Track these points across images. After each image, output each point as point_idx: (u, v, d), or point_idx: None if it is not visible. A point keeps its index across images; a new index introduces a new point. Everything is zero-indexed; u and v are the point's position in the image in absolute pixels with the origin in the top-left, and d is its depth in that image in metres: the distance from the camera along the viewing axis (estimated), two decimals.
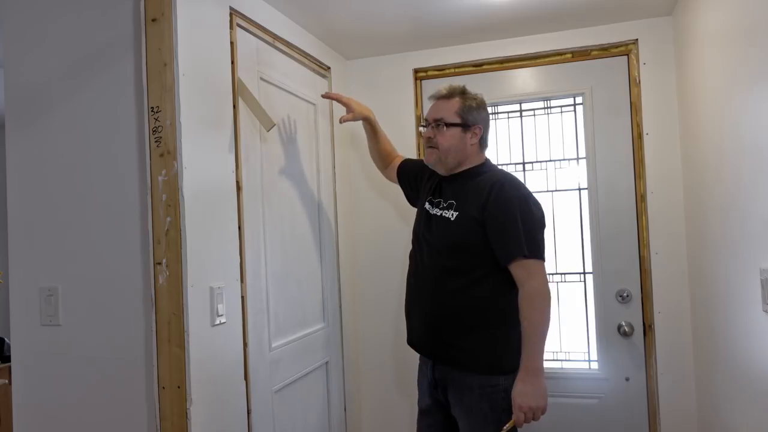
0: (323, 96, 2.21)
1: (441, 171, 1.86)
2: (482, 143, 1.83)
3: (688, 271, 2.31)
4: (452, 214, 1.75)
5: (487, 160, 1.86)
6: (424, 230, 1.84)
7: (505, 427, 1.65)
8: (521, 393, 1.60)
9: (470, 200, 1.73)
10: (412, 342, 1.88)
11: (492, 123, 2.62)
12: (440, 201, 1.83)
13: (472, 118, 1.78)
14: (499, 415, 1.66)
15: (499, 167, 1.88)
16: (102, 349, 1.60)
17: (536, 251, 1.64)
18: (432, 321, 1.77)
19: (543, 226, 1.72)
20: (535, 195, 1.75)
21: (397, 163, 2.18)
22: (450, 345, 1.74)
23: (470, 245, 1.70)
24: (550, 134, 2.58)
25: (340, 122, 2.13)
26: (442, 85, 1.87)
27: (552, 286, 2.51)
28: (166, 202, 1.53)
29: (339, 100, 2.15)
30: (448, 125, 1.78)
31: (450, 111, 1.78)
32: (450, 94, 1.81)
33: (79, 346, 1.62)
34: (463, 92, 1.81)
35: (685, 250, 2.32)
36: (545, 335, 1.63)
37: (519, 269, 1.64)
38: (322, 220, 2.39)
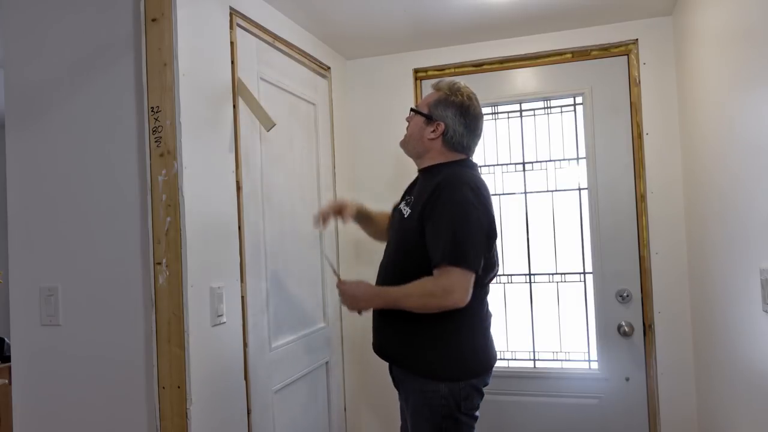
0: (319, 217, 1.98)
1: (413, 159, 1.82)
2: (449, 142, 1.71)
3: (688, 271, 2.31)
4: (407, 211, 1.71)
5: (456, 161, 1.72)
6: (392, 228, 1.84)
7: (335, 271, 1.90)
8: (355, 284, 1.71)
9: (420, 199, 1.66)
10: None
11: (492, 123, 2.63)
12: (406, 197, 1.80)
13: (438, 112, 1.70)
14: (440, 422, 1.60)
15: (464, 168, 1.71)
16: (102, 349, 1.60)
17: (457, 260, 1.54)
18: (376, 317, 1.76)
19: (480, 231, 1.59)
20: (480, 196, 1.61)
21: None
22: (387, 342, 1.72)
23: (410, 244, 1.65)
24: (550, 134, 2.58)
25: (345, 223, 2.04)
26: None
27: (552, 286, 2.54)
28: (166, 202, 1.53)
29: (333, 211, 1.98)
30: (415, 112, 1.75)
31: (426, 101, 1.74)
32: (437, 86, 1.76)
33: (79, 346, 1.62)
34: (449, 87, 1.72)
35: (685, 250, 2.32)
36: (404, 306, 1.60)
37: (436, 271, 1.57)
38: None
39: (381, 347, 1.74)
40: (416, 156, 1.78)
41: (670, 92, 2.35)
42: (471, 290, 1.56)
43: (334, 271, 1.90)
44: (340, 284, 1.75)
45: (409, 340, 1.66)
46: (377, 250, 2.70)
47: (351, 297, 1.70)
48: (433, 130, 1.71)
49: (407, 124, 1.79)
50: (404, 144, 1.80)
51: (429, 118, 1.71)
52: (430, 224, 1.59)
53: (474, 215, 1.57)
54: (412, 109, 1.78)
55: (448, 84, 1.73)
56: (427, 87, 2.66)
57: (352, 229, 2.66)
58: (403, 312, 1.63)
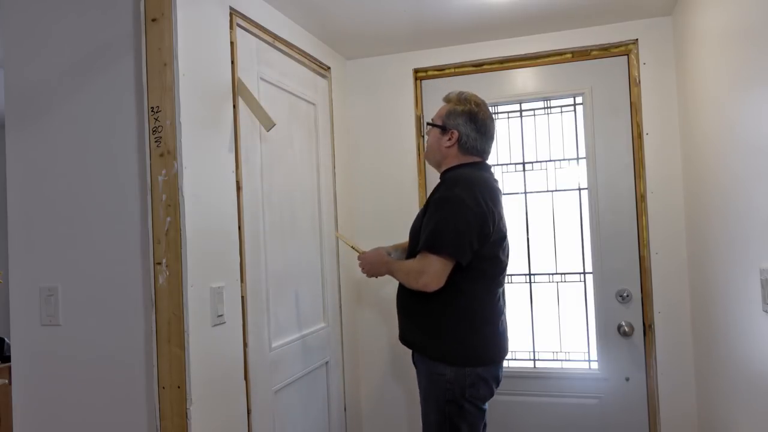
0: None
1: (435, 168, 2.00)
2: (463, 147, 1.84)
3: (688, 271, 2.31)
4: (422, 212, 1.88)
5: (468, 163, 1.85)
6: None
7: (351, 245, 2.10)
8: (373, 253, 1.96)
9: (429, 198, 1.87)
10: None
11: None
12: None
13: (450, 122, 1.86)
14: (444, 406, 1.74)
15: (472, 169, 1.84)
16: (102, 349, 1.60)
17: (432, 247, 1.70)
18: (399, 311, 1.92)
19: (466, 225, 1.69)
20: (475, 193, 1.72)
21: None
22: (407, 330, 1.88)
23: (417, 237, 1.81)
24: (550, 134, 2.58)
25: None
26: (442, 84, 1.92)
27: (552, 286, 2.54)
28: (166, 202, 1.54)
29: None
30: (433, 126, 1.91)
31: (439, 113, 1.90)
32: (447, 98, 1.92)
33: (79, 346, 1.62)
34: (457, 97, 1.89)
35: (685, 250, 2.32)
36: (396, 278, 1.85)
37: (418, 255, 1.76)
38: (322, 220, 2.39)
39: (403, 335, 1.90)
40: (437, 164, 1.94)
41: (670, 92, 2.35)
42: (444, 276, 1.71)
43: (353, 248, 2.07)
44: (362, 256, 1.99)
45: (422, 327, 1.81)
46: (375, 244, 2.69)
47: (369, 264, 1.95)
48: (449, 139, 1.86)
49: (427, 138, 1.96)
50: (426, 156, 1.98)
51: (443, 129, 1.88)
52: (425, 218, 1.78)
53: (461, 209, 1.71)
54: (428, 123, 1.95)
55: (457, 95, 1.90)
56: (428, 87, 2.67)
57: (351, 228, 2.66)
58: (417, 304, 1.82)
